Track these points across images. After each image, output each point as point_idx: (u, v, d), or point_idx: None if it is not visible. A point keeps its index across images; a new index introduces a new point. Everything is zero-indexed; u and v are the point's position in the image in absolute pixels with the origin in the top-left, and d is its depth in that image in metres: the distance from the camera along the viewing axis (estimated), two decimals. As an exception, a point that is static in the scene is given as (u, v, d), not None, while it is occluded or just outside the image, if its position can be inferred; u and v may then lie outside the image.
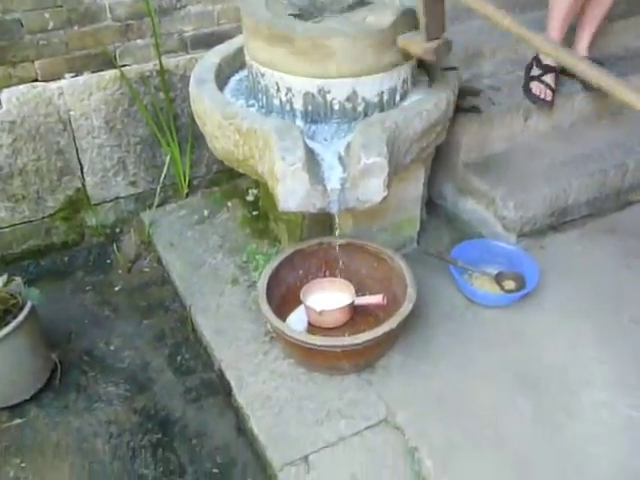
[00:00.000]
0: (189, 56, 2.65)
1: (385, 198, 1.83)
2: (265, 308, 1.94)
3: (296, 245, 2.18)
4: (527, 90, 2.58)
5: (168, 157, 2.74)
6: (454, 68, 2.19)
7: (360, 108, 1.97)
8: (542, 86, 2.54)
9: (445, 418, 1.84)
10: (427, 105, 1.97)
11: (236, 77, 2.27)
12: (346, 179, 1.82)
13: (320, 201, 1.81)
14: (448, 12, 1.81)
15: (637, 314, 2.15)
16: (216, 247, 2.55)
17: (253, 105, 2.11)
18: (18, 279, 2.05)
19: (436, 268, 2.28)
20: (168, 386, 2.13)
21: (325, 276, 2.19)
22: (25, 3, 2.28)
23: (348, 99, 1.94)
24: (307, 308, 2.08)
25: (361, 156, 1.76)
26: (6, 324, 1.91)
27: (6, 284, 2.00)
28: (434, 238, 2.52)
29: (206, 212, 2.75)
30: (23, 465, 1.91)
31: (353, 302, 2.09)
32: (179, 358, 2.23)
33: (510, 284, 2.25)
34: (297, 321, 2.09)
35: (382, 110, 1.99)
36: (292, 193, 1.77)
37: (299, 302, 2.10)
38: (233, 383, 1.99)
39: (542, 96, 2.53)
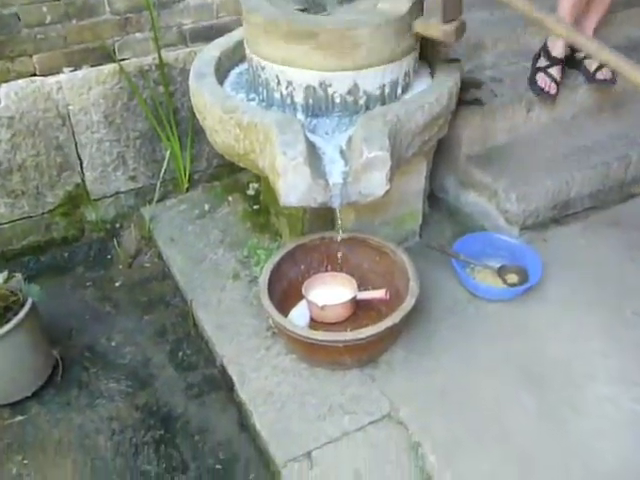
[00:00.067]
0: (188, 49, 2.63)
1: (387, 192, 1.82)
2: (267, 303, 1.93)
3: (298, 240, 2.17)
4: (532, 81, 2.56)
5: (168, 151, 2.73)
6: (456, 60, 2.17)
7: (361, 101, 1.95)
8: (547, 79, 2.52)
9: (448, 413, 1.83)
10: (429, 98, 1.96)
11: (236, 70, 2.26)
12: (348, 173, 1.81)
13: (322, 195, 1.79)
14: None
15: (641, 307, 2.14)
16: (217, 242, 2.54)
17: (253, 99, 2.09)
18: (18, 275, 2.04)
19: (438, 262, 2.27)
20: (170, 382, 2.13)
21: (327, 271, 2.18)
22: (22, -4, 2.27)
23: (349, 92, 1.93)
24: (309, 303, 2.07)
25: (363, 150, 1.75)
26: (7, 321, 1.90)
27: (6, 281, 1.99)
28: (436, 231, 2.50)
29: (207, 207, 2.74)
30: (25, 462, 1.90)
31: (355, 297, 2.07)
32: (180, 354, 2.23)
33: (513, 278, 2.23)
34: (299, 316, 2.08)
35: (384, 103, 1.98)
36: (293, 188, 1.76)
37: (301, 297, 2.09)
38: (235, 379, 1.99)
39: (546, 89, 2.52)
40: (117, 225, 2.78)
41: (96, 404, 2.06)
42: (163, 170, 2.73)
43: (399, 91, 2.02)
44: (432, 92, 1.99)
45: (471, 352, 2.01)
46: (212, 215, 2.69)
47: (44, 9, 2.31)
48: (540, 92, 2.53)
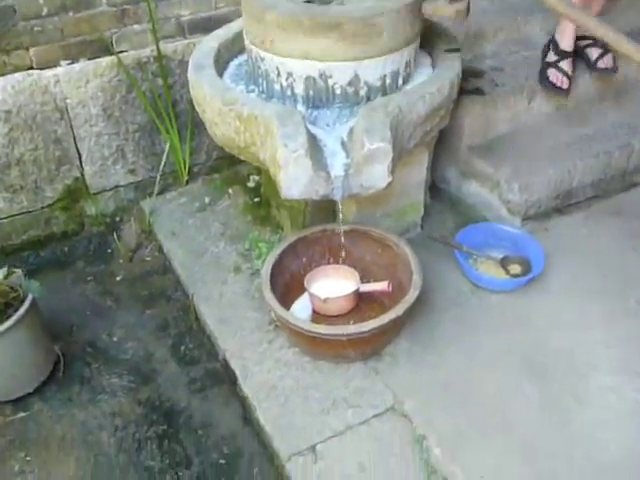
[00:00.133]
0: (187, 41, 2.61)
1: (389, 184, 1.80)
2: (269, 296, 1.92)
3: (299, 232, 2.15)
4: (544, 77, 2.53)
5: (167, 144, 2.71)
6: (457, 50, 2.15)
7: (362, 92, 1.93)
8: (559, 73, 2.49)
9: (452, 405, 1.83)
10: (430, 88, 1.94)
11: (235, 62, 2.24)
12: (349, 165, 1.79)
13: (323, 188, 1.78)
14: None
15: (644, 297, 2.13)
16: (218, 235, 2.53)
17: (253, 90, 2.07)
18: (18, 271, 2.02)
19: (440, 253, 2.26)
20: (172, 377, 2.12)
21: (329, 263, 2.17)
22: (18, -11, 2.24)
23: (350, 83, 1.91)
24: (311, 296, 2.06)
25: (364, 141, 1.73)
26: (7, 317, 1.89)
27: (6, 277, 1.97)
28: (438, 223, 2.49)
29: (207, 199, 2.72)
30: (28, 459, 1.89)
31: (358, 289, 2.07)
32: (183, 348, 2.22)
33: (516, 268, 2.23)
34: (301, 309, 2.07)
35: (385, 94, 1.96)
36: (295, 180, 1.74)
37: (303, 290, 2.08)
38: (238, 373, 1.98)
39: (558, 84, 2.49)
40: (117, 219, 2.77)
41: (98, 400, 2.05)
42: (163, 163, 2.72)
43: (400, 82, 2.00)
44: (433, 82, 1.97)
45: (474, 343, 2.00)
46: (212, 208, 2.68)
47: (40, 1, 2.29)
48: (553, 88, 2.50)
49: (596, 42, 2.52)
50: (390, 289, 2.02)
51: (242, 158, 2.07)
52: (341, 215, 1.99)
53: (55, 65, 2.41)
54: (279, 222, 2.50)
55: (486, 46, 2.70)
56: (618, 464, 1.68)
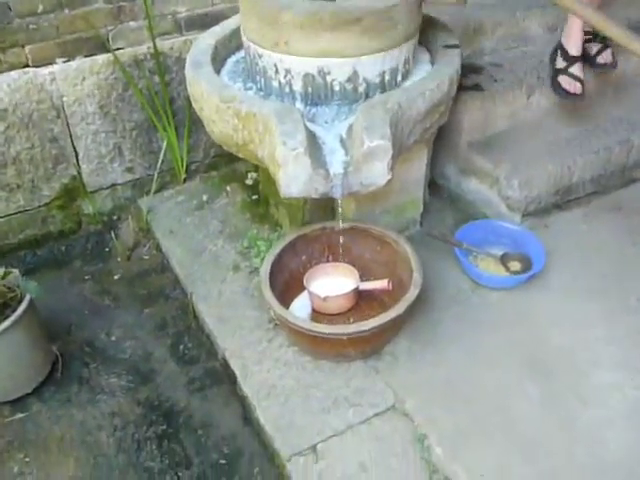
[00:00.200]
0: (183, 38, 2.59)
1: (389, 181, 1.79)
2: (268, 295, 1.91)
3: (298, 230, 2.14)
4: (556, 85, 2.46)
5: (165, 142, 2.70)
6: (456, 46, 2.13)
7: (361, 89, 1.92)
8: (571, 79, 2.43)
9: (453, 404, 1.82)
10: (430, 85, 1.92)
11: (232, 59, 2.22)
12: (349, 163, 1.77)
13: (323, 186, 1.76)
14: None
15: (644, 293, 2.13)
16: (216, 233, 2.51)
17: (251, 88, 2.06)
18: (16, 271, 2.01)
19: (440, 250, 2.25)
20: (171, 376, 2.11)
21: (328, 261, 2.16)
22: (13, -14, 2.22)
23: (349, 80, 1.89)
24: (311, 294, 2.05)
25: (364, 139, 1.72)
26: (5, 318, 1.88)
27: (3, 277, 1.96)
28: (437, 220, 2.48)
29: (205, 197, 2.71)
30: (27, 460, 1.88)
31: (358, 287, 2.05)
32: (182, 347, 2.21)
33: (516, 265, 2.22)
34: (301, 307, 2.06)
35: (384, 91, 1.94)
36: (294, 178, 1.73)
37: (302, 288, 2.07)
38: (238, 372, 1.97)
39: (572, 90, 2.42)
40: (114, 217, 2.75)
41: (97, 400, 2.04)
42: (160, 161, 2.70)
43: (399, 78, 1.99)
44: (433, 79, 1.96)
45: (475, 342, 1.99)
46: (210, 206, 2.67)
47: (36, -2, 2.28)
48: (567, 95, 2.44)
49: (595, 37, 2.50)
50: (390, 287, 2.01)
51: (240, 156, 2.05)
52: (340, 212, 1.98)
53: (51, 63, 2.39)
54: (278, 220, 2.49)
55: (485, 42, 2.69)
56: (619, 461, 1.68)
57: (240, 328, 2.10)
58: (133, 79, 2.54)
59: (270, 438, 1.79)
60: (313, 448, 1.74)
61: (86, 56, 2.44)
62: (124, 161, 2.70)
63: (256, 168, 2.69)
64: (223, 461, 1.86)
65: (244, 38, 2.00)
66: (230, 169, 2.85)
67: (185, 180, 2.82)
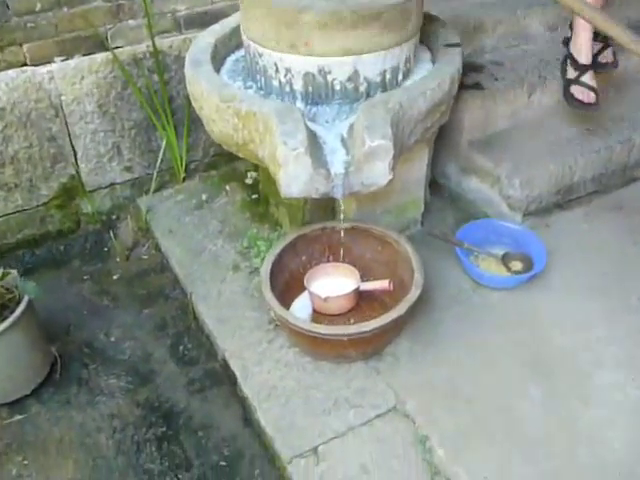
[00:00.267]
0: (183, 36, 2.57)
1: (390, 181, 1.78)
2: (268, 296, 1.89)
3: (299, 230, 2.13)
4: (569, 96, 2.39)
5: (164, 141, 2.68)
6: (457, 44, 2.12)
7: (362, 88, 1.91)
8: (584, 89, 2.36)
9: (455, 405, 1.81)
10: (431, 84, 1.91)
11: (232, 57, 2.21)
12: (350, 163, 1.76)
13: (324, 186, 1.75)
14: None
15: (646, 292, 2.12)
16: (216, 232, 2.50)
17: (251, 87, 2.05)
18: (14, 272, 1.99)
19: (441, 250, 2.24)
20: (171, 377, 2.10)
21: (329, 261, 2.14)
22: (10, -16, 2.21)
23: (349, 79, 1.88)
24: (311, 294, 2.04)
25: (365, 138, 1.70)
26: (3, 319, 1.86)
27: (2, 278, 1.95)
28: (438, 219, 2.47)
29: (204, 197, 2.70)
30: (25, 462, 1.87)
31: (358, 288, 2.04)
32: (181, 348, 2.20)
33: (517, 265, 2.21)
34: (301, 308, 2.05)
35: (385, 90, 1.93)
36: (295, 178, 1.71)
37: (303, 288, 2.06)
38: (238, 373, 1.96)
39: (586, 100, 2.36)
40: (113, 217, 2.74)
41: (96, 401, 2.03)
42: (159, 160, 2.69)
43: (400, 77, 1.98)
44: (434, 78, 1.95)
45: (476, 342, 1.98)
46: (210, 205, 2.65)
47: (34, -4, 2.26)
48: (582, 105, 2.37)
49: (596, 36, 2.49)
50: (391, 287, 2.00)
51: (240, 155, 2.04)
52: (341, 212, 1.97)
53: (49, 61, 2.38)
54: (278, 219, 2.48)
55: (485, 40, 2.67)
56: (622, 461, 1.67)
57: (240, 328, 2.09)
58: (132, 78, 2.53)
59: (271, 440, 1.78)
60: (314, 450, 1.73)
61: (85, 55, 2.43)
62: (123, 160, 2.68)
63: (256, 167, 2.67)
64: (223, 463, 1.84)
65: (244, 37, 1.99)
66: (230, 168, 2.83)
67: (184, 179, 2.81)
